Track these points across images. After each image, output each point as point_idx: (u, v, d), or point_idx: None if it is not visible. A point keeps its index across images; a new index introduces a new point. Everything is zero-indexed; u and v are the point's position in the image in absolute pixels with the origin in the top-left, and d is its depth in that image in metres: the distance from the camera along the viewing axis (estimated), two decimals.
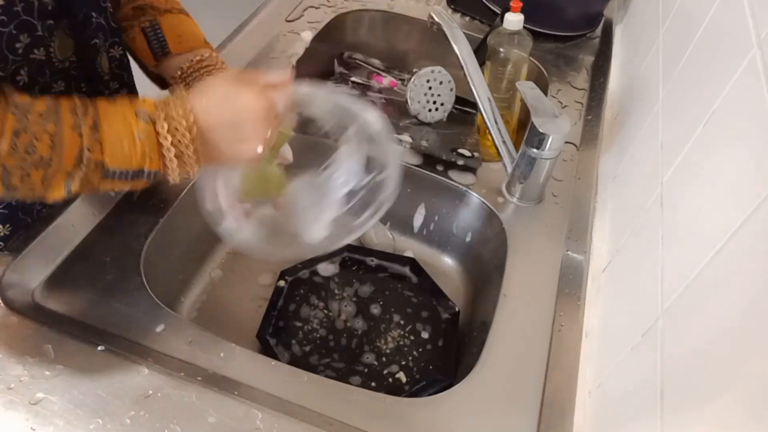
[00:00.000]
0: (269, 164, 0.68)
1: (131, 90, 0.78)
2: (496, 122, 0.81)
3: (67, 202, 0.73)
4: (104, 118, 0.52)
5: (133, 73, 0.78)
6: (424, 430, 0.59)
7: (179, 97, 0.55)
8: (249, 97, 0.56)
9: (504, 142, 0.82)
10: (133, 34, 0.71)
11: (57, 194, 0.53)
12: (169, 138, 0.53)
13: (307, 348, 0.77)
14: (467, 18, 1.19)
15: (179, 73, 0.71)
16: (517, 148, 0.82)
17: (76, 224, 0.72)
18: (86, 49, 0.66)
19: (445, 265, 0.92)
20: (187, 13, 0.74)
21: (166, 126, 0.53)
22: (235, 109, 0.56)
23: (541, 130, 0.75)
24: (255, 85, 0.57)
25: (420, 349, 0.78)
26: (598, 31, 1.20)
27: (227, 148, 0.57)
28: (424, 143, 0.91)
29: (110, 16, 0.68)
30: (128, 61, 0.75)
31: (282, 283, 0.82)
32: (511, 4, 0.91)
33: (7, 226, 0.70)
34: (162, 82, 0.75)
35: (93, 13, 0.65)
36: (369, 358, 0.77)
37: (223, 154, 0.57)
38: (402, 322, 0.81)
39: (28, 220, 0.72)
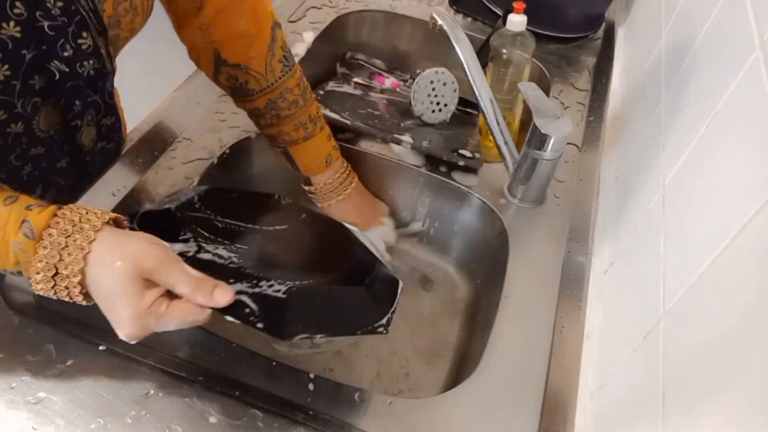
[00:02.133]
0: None
1: (118, 145, 0.76)
2: (498, 124, 0.81)
3: (67, 202, 0.73)
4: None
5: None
6: (425, 430, 0.59)
7: (76, 241, 0.47)
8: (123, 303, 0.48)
9: (506, 143, 0.82)
10: (275, 149, 0.84)
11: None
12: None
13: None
14: (469, 19, 1.19)
15: (314, 193, 0.87)
16: (518, 149, 0.82)
17: None
18: (68, 126, 0.64)
19: (445, 266, 0.92)
20: (313, 134, 0.81)
21: (45, 257, 0.47)
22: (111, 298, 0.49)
23: (543, 131, 0.75)
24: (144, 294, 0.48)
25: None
26: (600, 32, 1.20)
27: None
28: (425, 144, 0.91)
29: (107, 94, 0.65)
30: (120, 123, 0.72)
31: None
32: (514, 5, 0.91)
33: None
34: None
35: (78, 100, 0.61)
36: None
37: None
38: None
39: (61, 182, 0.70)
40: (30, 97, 0.56)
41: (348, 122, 0.91)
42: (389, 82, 1.11)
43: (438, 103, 1.03)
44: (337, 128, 0.90)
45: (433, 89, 1.02)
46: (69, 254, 0.46)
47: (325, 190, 0.85)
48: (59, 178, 0.69)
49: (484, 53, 1.03)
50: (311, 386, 0.61)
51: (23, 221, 0.47)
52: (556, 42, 1.14)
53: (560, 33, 1.14)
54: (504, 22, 0.94)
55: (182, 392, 0.58)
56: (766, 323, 0.36)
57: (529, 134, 0.77)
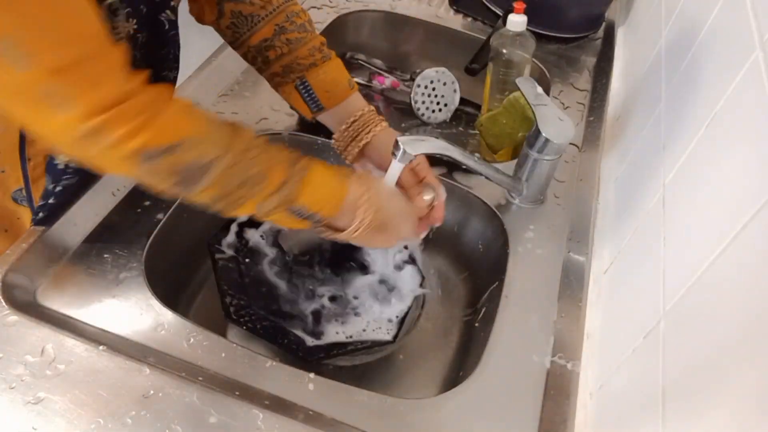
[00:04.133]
0: None
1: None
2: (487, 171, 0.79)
3: (68, 202, 0.73)
4: (313, 165, 0.60)
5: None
6: (425, 430, 0.59)
7: (367, 175, 0.66)
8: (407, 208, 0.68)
9: (497, 171, 0.80)
10: (288, 90, 0.77)
11: (247, 212, 0.59)
12: (363, 196, 0.63)
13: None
14: (469, 19, 1.19)
15: (341, 131, 0.77)
16: (519, 148, 0.81)
17: (77, 224, 0.72)
18: (155, 78, 0.69)
19: (446, 266, 0.92)
20: (329, 56, 0.77)
21: (361, 185, 0.62)
22: (399, 208, 0.67)
23: (545, 136, 0.75)
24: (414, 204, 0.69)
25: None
26: (600, 32, 1.20)
27: (386, 232, 0.67)
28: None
29: (174, 50, 0.71)
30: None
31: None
32: (514, 5, 0.91)
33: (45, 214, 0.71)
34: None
35: (173, 50, 0.70)
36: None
37: (383, 232, 0.66)
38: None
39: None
40: (136, 49, 0.63)
41: None
42: (389, 82, 1.11)
43: (438, 103, 1.03)
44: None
45: (434, 89, 1.02)
46: (373, 190, 0.63)
47: (360, 123, 0.76)
48: None
49: (484, 53, 1.03)
50: (311, 386, 0.61)
51: (337, 170, 0.62)
52: (556, 42, 1.14)
53: (560, 33, 1.14)
54: (504, 22, 0.94)
55: (182, 392, 0.58)
56: (766, 323, 0.36)
57: (529, 136, 0.77)
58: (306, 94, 0.76)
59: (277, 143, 0.60)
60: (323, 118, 0.79)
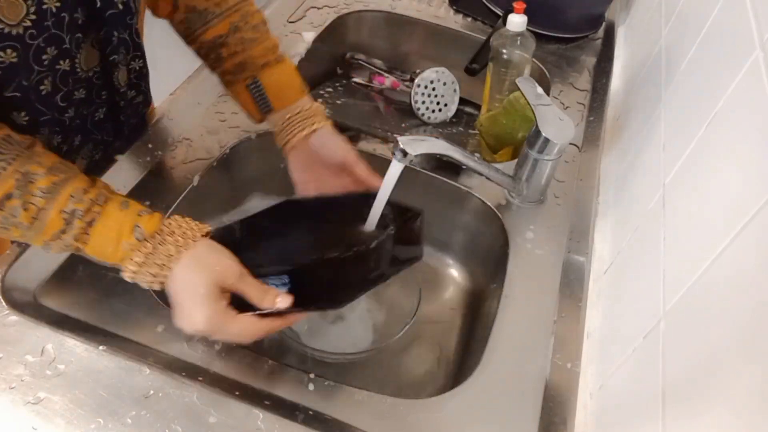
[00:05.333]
0: None
1: (146, 97, 0.82)
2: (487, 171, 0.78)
3: (100, 162, 0.74)
4: (103, 219, 0.54)
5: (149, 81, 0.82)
6: (425, 430, 0.59)
7: (173, 246, 0.55)
8: (201, 311, 0.54)
9: (497, 171, 0.80)
10: (238, 89, 0.75)
11: (36, 243, 0.55)
12: (148, 248, 0.54)
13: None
14: (469, 19, 1.19)
15: (279, 128, 0.74)
16: (519, 148, 0.81)
17: None
18: (107, 62, 0.70)
19: (446, 266, 0.92)
20: (282, 58, 0.76)
21: (147, 255, 0.54)
22: (199, 301, 0.54)
23: (545, 136, 0.75)
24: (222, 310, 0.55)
25: None
26: (601, 32, 1.20)
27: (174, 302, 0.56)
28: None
29: (135, 32, 0.71)
30: (147, 72, 0.79)
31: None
32: (514, 5, 0.91)
33: None
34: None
35: (116, 31, 0.68)
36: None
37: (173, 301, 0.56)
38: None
39: None
40: (74, 31, 0.62)
41: (348, 123, 0.91)
42: (389, 82, 1.11)
43: (438, 103, 1.03)
44: (336, 129, 0.90)
45: (434, 89, 1.02)
46: (167, 253, 0.54)
47: (305, 114, 0.73)
48: (96, 132, 0.74)
49: (484, 53, 1.03)
50: (311, 386, 0.61)
51: (136, 226, 0.54)
52: (556, 42, 1.14)
53: (560, 33, 1.14)
54: (504, 22, 0.94)
55: (182, 392, 0.58)
56: (766, 323, 0.36)
57: (529, 136, 0.77)
58: (257, 94, 0.74)
59: (59, 191, 0.54)
60: (271, 120, 0.76)
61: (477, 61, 1.07)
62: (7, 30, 0.55)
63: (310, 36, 1.08)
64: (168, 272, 0.54)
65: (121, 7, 0.66)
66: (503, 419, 0.60)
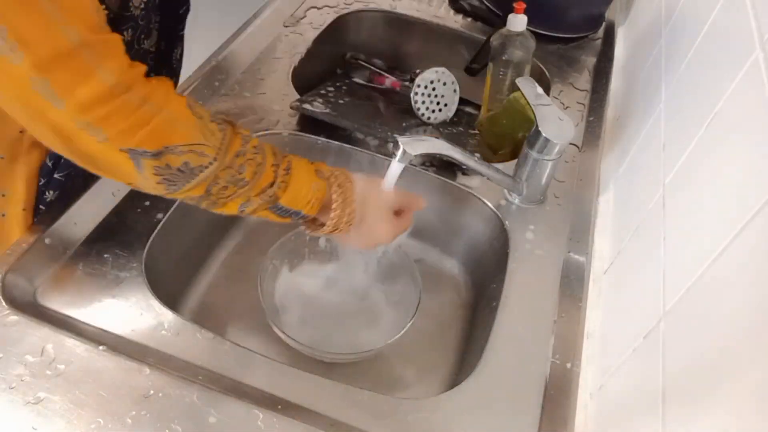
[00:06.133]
0: None
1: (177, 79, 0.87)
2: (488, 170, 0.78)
3: (68, 202, 0.73)
4: (295, 166, 0.62)
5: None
6: (425, 430, 0.59)
7: (345, 175, 0.66)
8: (389, 215, 0.69)
9: (497, 171, 0.80)
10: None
11: (230, 210, 0.61)
12: (337, 194, 0.64)
13: None
14: (469, 19, 1.19)
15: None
16: (519, 148, 0.81)
17: (77, 224, 0.72)
18: (170, 40, 0.75)
19: (446, 267, 0.92)
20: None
21: (337, 185, 0.65)
22: (376, 211, 0.68)
23: (545, 136, 0.75)
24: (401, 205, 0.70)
25: None
26: (600, 32, 1.20)
27: (360, 231, 0.67)
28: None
29: (188, 8, 0.76)
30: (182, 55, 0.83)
31: None
32: (515, 5, 0.91)
33: (56, 192, 0.72)
34: None
35: (185, 6, 0.75)
36: None
37: (358, 231, 0.67)
38: None
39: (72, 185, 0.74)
40: (155, 11, 0.68)
41: (348, 123, 0.91)
42: (389, 82, 1.11)
43: (438, 103, 1.03)
44: (336, 129, 0.90)
45: (434, 89, 1.02)
46: (346, 189, 0.65)
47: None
48: None
49: (483, 53, 1.03)
50: (311, 386, 0.61)
51: (316, 170, 0.64)
52: (556, 42, 1.14)
53: (560, 33, 1.14)
54: (504, 22, 0.94)
55: (182, 392, 0.58)
56: (766, 323, 0.36)
57: (529, 136, 0.77)
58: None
59: (266, 141, 0.62)
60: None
61: (477, 61, 1.07)
62: (132, 12, 0.61)
63: (310, 36, 1.08)
64: (353, 203, 0.65)
65: None
66: (503, 419, 0.60)
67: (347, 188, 0.65)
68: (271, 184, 0.60)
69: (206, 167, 0.55)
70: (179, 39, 0.77)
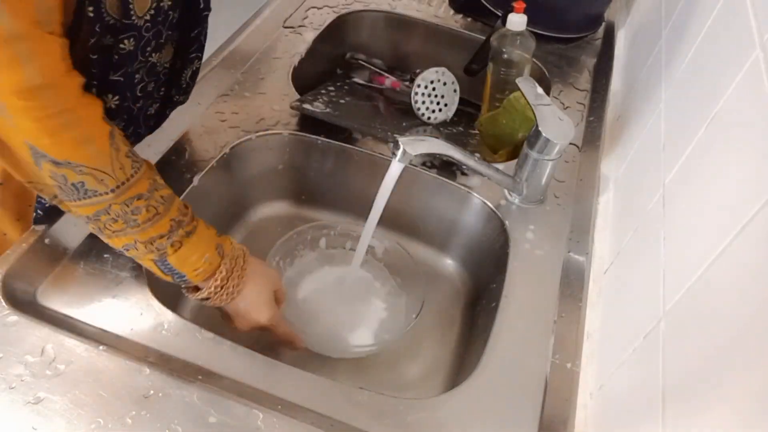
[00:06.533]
0: None
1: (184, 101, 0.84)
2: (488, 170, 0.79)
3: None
4: (198, 233, 0.62)
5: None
6: (425, 430, 0.59)
7: (243, 261, 0.66)
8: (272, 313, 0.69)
9: (497, 171, 0.80)
10: None
11: (114, 245, 0.60)
12: (224, 274, 0.64)
13: None
14: (469, 19, 1.19)
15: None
16: (519, 148, 0.81)
17: (78, 224, 0.72)
18: (184, 60, 0.74)
19: (446, 266, 0.92)
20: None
21: (228, 266, 0.64)
22: (263, 298, 0.68)
23: (545, 136, 0.75)
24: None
25: None
26: (600, 32, 1.20)
27: (242, 309, 0.67)
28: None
29: (205, 33, 0.75)
30: (197, 72, 0.81)
31: None
32: (514, 5, 0.91)
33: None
34: None
35: (200, 30, 0.73)
36: None
37: (237, 310, 0.67)
38: None
39: None
40: (169, 29, 0.67)
41: (348, 123, 0.91)
42: (389, 82, 1.11)
43: (438, 103, 1.03)
44: (336, 129, 0.90)
45: (434, 89, 1.02)
46: (240, 271, 0.65)
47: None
48: (141, 125, 0.75)
49: (483, 53, 1.03)
50: (311, 386, 0.61)
51: (218, 245, 0.64)
52: (556, 42, 1.14)
53: (560, 33, 1.14)
54: (504, 22, 0.94)
55: (182, 392, 0.58)
56: (765, 323, 0.36)
57: (529, 136, 0.77)
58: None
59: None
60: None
61: (476, 62, 1.07)
62: (134, 21, 0.59)
63: (310, 36, 1.08)
64: (242, 285, 0.65)
65: (211, 8, 0.72)
66: (503, 419, 0.60)
67: (240, 266, 0.66)
68: (162, 236, 0.59)
69: (101, 194, 0.56)
70: (192, 60, 0.76)
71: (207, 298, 0.65)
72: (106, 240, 0.60)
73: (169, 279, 0.63)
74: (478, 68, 1.07)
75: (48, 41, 0.50)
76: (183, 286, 0.66)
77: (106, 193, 0.56)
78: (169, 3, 0.63)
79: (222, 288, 0.64)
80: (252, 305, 0.67)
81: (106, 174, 0.55)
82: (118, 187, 0.56)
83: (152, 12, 0.61)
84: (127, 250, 0.60)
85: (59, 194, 0.57)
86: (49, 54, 0.50)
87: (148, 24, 0.61)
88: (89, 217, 0.58)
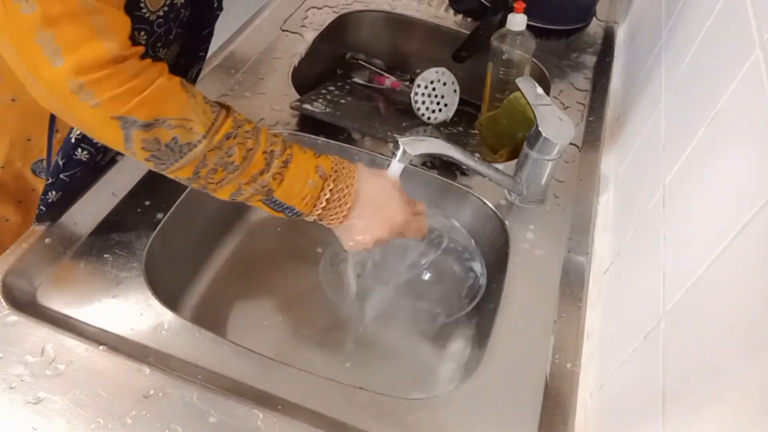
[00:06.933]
0: None
1: None
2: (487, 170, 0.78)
3: (68, 202, 0.73)
4: (295, 160, 0.61)
5: None
6: (425, 430, 0.59)
7: (349, 171, 0.65)
8: (398, 206, 0.67)
9: (497, 171, 0.80)
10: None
11: (222, 196, 0.61)
12: (328, 195, 0.63)
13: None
14: (469, 20, 1.19)
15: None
16: (519, 148, 0.81)
17: (77, 224, 0.72)
18: (190, 58, 0.75)
19: (446, 266, 0.92)
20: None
21: (331, 187, 0.63)
22: (383, 209, 0.66)
23: (545, 136, 0.75)
24: (406, 201, 0.69)
25: None
26: (600, 32, 1.20)
27: (357, 229, 0.66)
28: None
29: (212, 33, 0.76)
30: (200, 71, 0.82)
31: None
32: (515, 5, 0.91)
33: (59, 193, 0.71)
34: None
35: (210, 29, 0.74)
36: None
37: (351, 230, 0.66)
38: None
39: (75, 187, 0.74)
40: (179, 27, 0.67)
41: (348, 123, 0.91)
42: (389, 82, 1.11)
43: (438, 103, 1.03)
44: (336, 129, 0.90)
45: (434, 89, 1.02)
46: (347, 181, 0.64)
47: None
48: None
49: (471, 41, 1.02)
50: (311, 386, 0.61)
51: (317, 166, 0.63)
52: (550, 35, 1.13)
53: (552, 25, 1.13)
54: (495, 15, 0.93)
55: (182, 392, 0.58)
56: (766, 323, 0.36)
57: (529, 136, 0.77)
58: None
59: (259, 133, 0.61)
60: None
61: (465, 49, 1.06)
62: (146, 15, 0.60)
63: (310, 36, 1.08)
64: (353, 194, 0.64)
65: (223, 8, 0.72)
66: (503, 419, 0.60)
67: (346, 184, 0.64)
68: (262, 172, 0.60)
69: (194, 145, 0.56)
70: (199, 59, 0.77)
71: (321, 219, 0.65)
72: (213, 194, 0.61)
73: (281, 215, 0.64)
74: (467, 55, 1.06)
75: (116, 13, 0.51)
76: (296, 217, 0.65)
77: (200, 141, 0.56)
78: (182, 1, 0.64)
79: (330, 208, 0.63)
80: (376, 204, 0.65)
81: (193, 121, 0.56)
82: (208, 131, 0.56)
83: (165, 9, 0.61)
84: (235, 198, 0.61)
85: (156, 165, 0.57)
86: (121, 25, 0.52)
87: (161, 20, 0.62)
88: (190, 178, 0.58)
